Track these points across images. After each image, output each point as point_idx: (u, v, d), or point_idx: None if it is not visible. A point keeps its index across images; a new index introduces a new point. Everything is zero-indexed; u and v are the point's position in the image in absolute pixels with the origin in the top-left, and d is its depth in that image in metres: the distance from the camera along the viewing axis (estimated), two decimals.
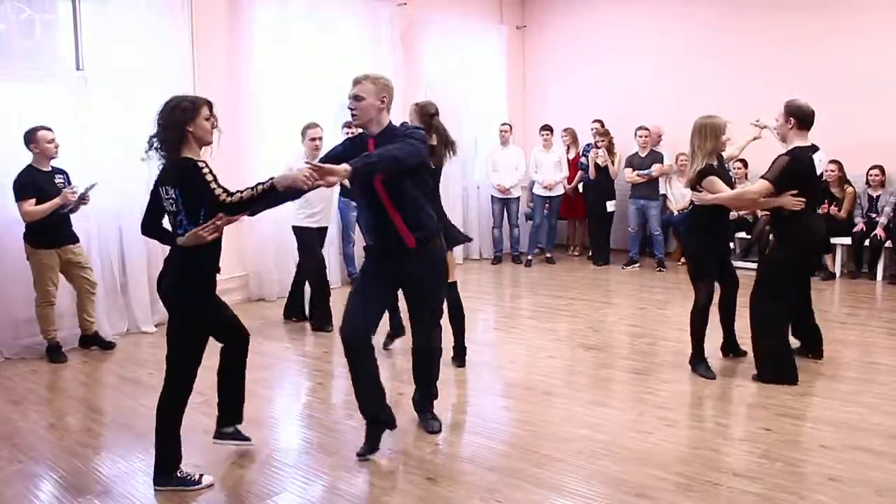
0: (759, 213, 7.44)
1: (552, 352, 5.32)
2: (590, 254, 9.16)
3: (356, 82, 3.39)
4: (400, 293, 3.84)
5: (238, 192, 3.04)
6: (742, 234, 8.12)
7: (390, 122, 3.47)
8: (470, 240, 5.44)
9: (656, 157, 8.47)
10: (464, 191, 9.45)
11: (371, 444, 3.51)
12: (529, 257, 8.99)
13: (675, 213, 8.49)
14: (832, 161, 7.58)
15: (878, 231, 7.30)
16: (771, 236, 4.74)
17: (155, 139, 3.14)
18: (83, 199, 5.22)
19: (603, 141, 8.56)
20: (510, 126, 9.14)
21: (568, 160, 9.10)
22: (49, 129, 5.15)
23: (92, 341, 5.56)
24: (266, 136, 6.98)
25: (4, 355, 5.34)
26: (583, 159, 8.94)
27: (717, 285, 4.68)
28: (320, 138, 5.74)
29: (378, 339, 4.45)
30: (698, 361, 4.62)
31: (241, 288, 6.97)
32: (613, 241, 9.02)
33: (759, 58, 8.26)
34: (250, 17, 6.99)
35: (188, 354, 3.24)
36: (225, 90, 6.50)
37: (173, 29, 6.25)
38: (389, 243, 3.47)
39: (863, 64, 7.68)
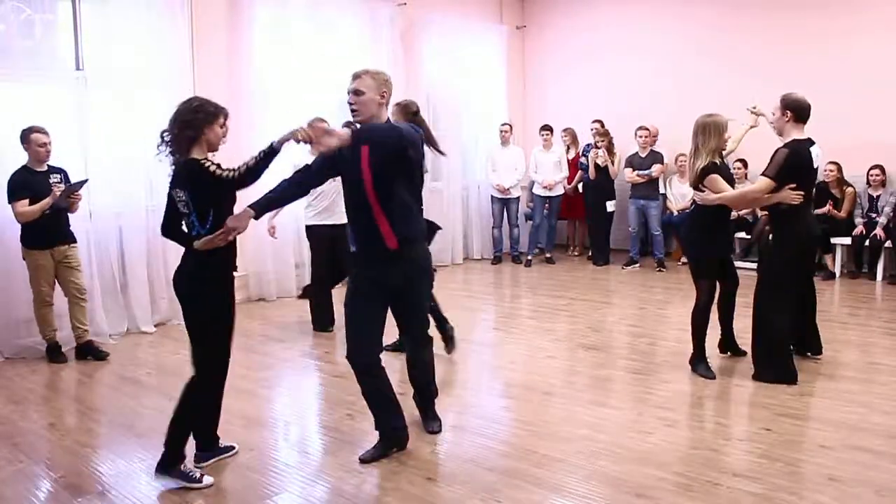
0: (759, 213, 7.44)
1: (552, 352, 5.32)
2: (590, 254, 9.17)
3: (356, 77, 3.31)
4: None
5: (241, 164, 3.11)
6: (742, 234, 8.11)
7: (388, 118, 3.43)
8: (440, 227, 5.22)
9: (656, 157, 8.48)
10: (464, 191, 9.46)
11: (378, 453, 3.47)
12: (529, 257, 8.99)
13: (675, 213, 8.50)
14: (831, 161, 7.60)
15: (878, 231, 7.30)
16: (770, 236, 4.73)
17: (167, 134, 3.18)
18: (71, 195, 5.09)
19: (603, 141, 8.56)
20: (510, 126, 9.15)
21: (568, 160, 9.10)
22: (43, 133, 5.07)
23: (87, 351, 5.31)
24: (266, 136, 6.88)
25: (4, 355, 5.34)
26: (583, 159, 8.94)
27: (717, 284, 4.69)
28: None
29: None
30: (698, 361, 4.61)
31: (241, 288, 6.94)
32: (613, 241, 9.02)
33: (759, 58, 8.26)
34: (250, 17, 6.99)
35: (210, 350, 3.27)
36: (225, 90, 6.50)
37: (173, 29, 6.25)
38: (373, 246, 3.34)
39: (863, 64, 7.68)
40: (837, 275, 7.68)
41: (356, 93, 3.28)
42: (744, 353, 4.81)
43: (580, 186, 9.05)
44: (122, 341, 5.84)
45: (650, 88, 9.11)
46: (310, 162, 3.52)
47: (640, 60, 9.26)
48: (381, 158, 3.25)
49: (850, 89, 7.63)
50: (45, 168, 5.16)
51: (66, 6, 5.84)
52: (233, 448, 3.57)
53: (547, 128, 8.98)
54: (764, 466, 3.30)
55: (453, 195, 9.18)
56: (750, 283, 4.62)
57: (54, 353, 5.29)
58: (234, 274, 3.35)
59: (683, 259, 8.61)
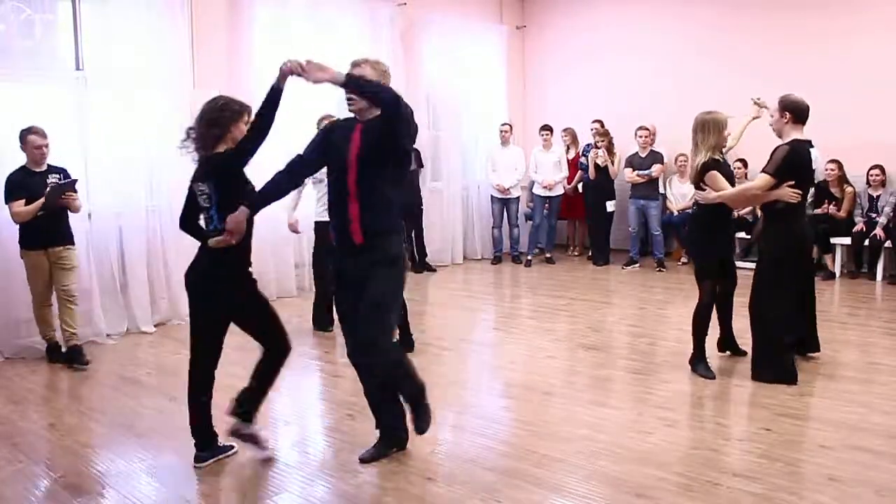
0: (759, 212, 7.44)
1: (552, 352, 5.31)
2: (590, 254, 9.17)
3: (355, 65, 3.22)
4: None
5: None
6: (742, 234, 8.11)
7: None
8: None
9: (656, 157, 8.48)
10: (464, 190, 9.46)
11: (378, 453, 3.46)
12: (529, 257, 8.99)
13: (675, 213, 8.50)
14: (832, 160, 7.60)
15: (878, 231, 7.30)
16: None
17: (193, 132, 3.25)
18: (61, 194, 5.02)
19: (603, 141, 8.56)
20: (510, 126, 9.15)
21: (568, 160, 9.11)
22: (40, 134, 5.03)
23: (72, 356, 5.12)
24: (265, 136, 6.97)
25: (4, 355, 5.34)
26: (582, 159, 8.94)
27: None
28: None
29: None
30: (698, 361, 4.61)
31: None
32: (613, 241, 9.02)
33: (759, 58, 8.25)
34: (250, 17, 6.99)
35: (199, 347, 3.37)
36: (225, 90, 6.44)
37: (173, 29, 6.25)
38: (343, 238, 3.21)
39: (863, 64, 7.68)
40: (837, 275, 7.68)
41: None
42: (744, 353, 4.81)
43: (580, 186, 9.05)
44: (122, 341, 5.84)
45: (650, 88, 9.11)
46: (301, 152, 3.41)
47: (640, 60, 9.26)
48: (372, 147, 3.14)
49: (850, 89, 7.63)
50: (45, 168, 5.14)
51: (66, 6, 5.84)
52: (232, 448, 3.56)
53: (547, 128, 8.98)
54: (764, 466, 3.30)
55: (453, 195, 9.18)
56: (749, 282, 4.62)
57: (54, 354, 5.28)
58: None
59: (683, 259, 8.64)
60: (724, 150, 4.67)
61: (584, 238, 9.61)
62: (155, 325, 6.16)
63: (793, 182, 4.30)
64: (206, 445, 3.46)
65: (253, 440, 3.46)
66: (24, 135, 5.04)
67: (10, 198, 5.01)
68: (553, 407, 4.17)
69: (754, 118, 5.10)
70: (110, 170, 5.94)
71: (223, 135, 3.23)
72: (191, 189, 3.36)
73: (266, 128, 3.16)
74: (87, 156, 5.84)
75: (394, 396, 3.50)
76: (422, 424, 3.41)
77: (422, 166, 8.68)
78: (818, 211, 7.61)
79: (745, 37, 8.43)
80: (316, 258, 5.98)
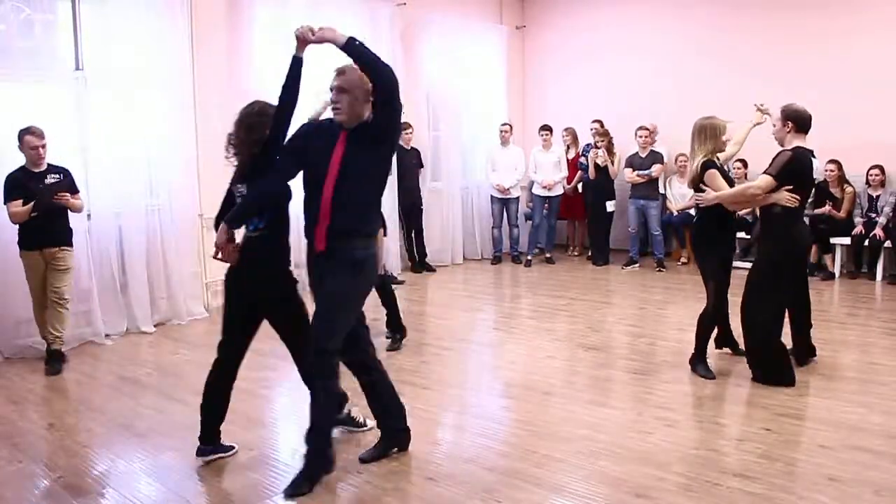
0: (759, 213, 7.44)
1: (552, 352, 5.32)
2: (589, 254, 9.16)
3: (340, 73, 3.11)
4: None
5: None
6: (742, 235, 8.11)
7: (369, 115, 3.15)
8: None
9: (656, 157, 8.48)
10: (464, 190, 9.46)
11: (378, 453, 3.47)
12: (529, 257, 8.99)
13: (675, 213, 8.49)
14: (831, 161, 7.60)
15: (878, 231, 7.30)
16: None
17: (232, 137, 3.34)
18: (52, 194, 4.98)
19: (603, 141, 8.56)
20: (510, 126, 9.15)
21: (567, 160, 9.11)
22: (37, 135, 5.00)
23: (49, 358, 5.08)
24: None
25: (4, 355, 5.34)
26: (582, 159, 8.94)
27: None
28: None
29: (381, 342, 4.49)
30: (698, 361, 4.62)
31: None
32: (613, 241, 9.02)
33: (759, 58, 8.26)
34: (250, 17, 6.99)
35: (226, 340, 3.45)
36: (225, 90, 6.50)
37: (173, 29, 6.25)
38: (310, 242, 3.19)
39: (863, 64, 7.68)
40: (837, 275, 7.68)
41: (340, 90, 3.10)
42: (743, 353, 4.81)
43: (580, 186, 9.06)
44: (122, 341, 5.84)
45: (650, 88, 9.11)
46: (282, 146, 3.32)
47: (640, 60, 9.26)
48: (357, 155, 3.08)
49: (850, 89, 7.64)
50: (44, 168, 5.13)
51: (65, 6, 5.84)
52: (233, 448, 3.57)
53: (547, 128, 8.98)
54: (763, 466, 3.30)
55: (453, 195, 9.18)
56: (742, 283, 4.61)
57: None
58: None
59: (683, 259, 8.65)
60: (725, 156, 4.67)
61: (583, 238, 9.61)
62: (155, 325, 6.16)
63: (791, 187, 4.30)
64: (210, 440, 3.48)
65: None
66: (22, 135, 5.03)
67: (7, 198, 5.02)
68: (553, 407, 4.17)
69: (757, 124, 5.10)
70: (110, 170, 5.93)
71: (262, 139, 3.29)
72: (229, 191, 3.45)
73: (289, 100, 3.21)
74: (87, 156, 5.84)
75: (394, 396, 3.51)
76: (309, 474, 3.14)
77: (422, 166, 8.68)
78: (818, 211, 7.61)
79: (745, 37, 8.43)
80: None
